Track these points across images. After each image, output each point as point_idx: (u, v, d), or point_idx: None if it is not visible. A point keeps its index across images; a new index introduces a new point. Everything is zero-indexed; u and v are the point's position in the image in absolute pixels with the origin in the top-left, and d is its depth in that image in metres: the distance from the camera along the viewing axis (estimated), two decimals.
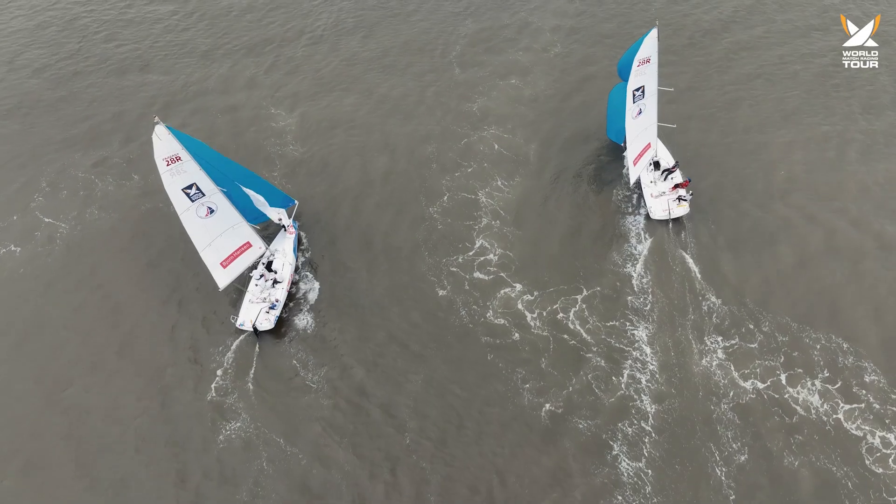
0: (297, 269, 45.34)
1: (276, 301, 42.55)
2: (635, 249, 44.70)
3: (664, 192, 46.72)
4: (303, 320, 42.89)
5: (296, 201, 48.91)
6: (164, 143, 36.52)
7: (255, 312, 41.95)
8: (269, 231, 47.50)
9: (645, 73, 44.01)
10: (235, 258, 42.18)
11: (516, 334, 40.73)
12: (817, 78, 58.23)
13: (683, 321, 40.67)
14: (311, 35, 66.26)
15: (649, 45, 43.16)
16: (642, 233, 45.67)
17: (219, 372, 40.53)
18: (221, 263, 41.32)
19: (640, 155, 46.96)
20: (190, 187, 38.36)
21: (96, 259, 47.59)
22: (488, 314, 41.90)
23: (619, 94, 47.01)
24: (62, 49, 67.72)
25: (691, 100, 55.30)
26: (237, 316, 42.35)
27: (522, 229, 46.79)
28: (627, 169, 49.32)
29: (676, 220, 46.25)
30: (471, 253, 45.35)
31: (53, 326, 43.95)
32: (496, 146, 53.10)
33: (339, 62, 62.89)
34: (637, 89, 44.24)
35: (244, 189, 42.86)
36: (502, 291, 42.97)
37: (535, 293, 42.63)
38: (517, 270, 44.13)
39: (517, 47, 62.78)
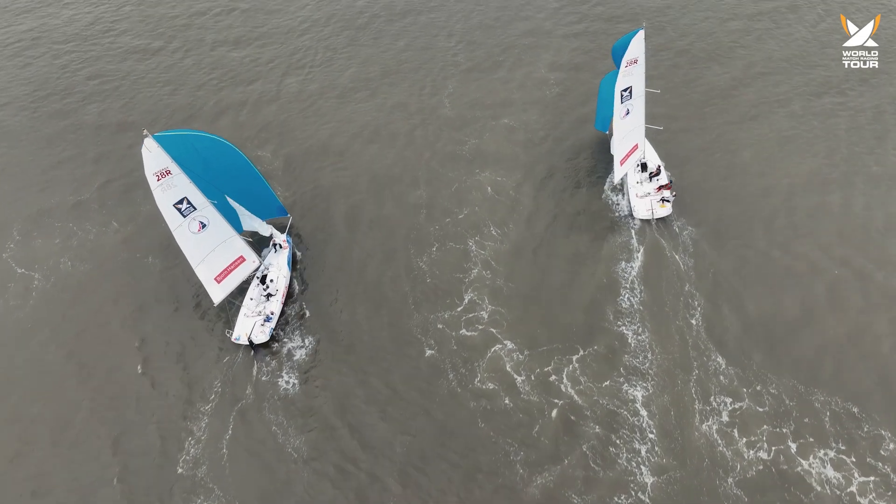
0: (291, 282, 45.02)
1: (271, 314, 42.34)
2: (632, 302, 42.38)
3: (649, 193, 47.18)
4: (288, 381, 40.45)
5: (289, 214, 48.58)
6: (153, 155, 36.40)
7: (251, 326, 41.66)
8: (260, 238, 47.56)
9: (632, 73, 44.21)
10: (229, 273, 41.97)
11: (507, 399, 38.25)
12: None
13: (685, 381, 38.25)
14: (298, 74, 64.70)
15: (636, 46, 43.31)
16: (637, 283, 43.39)
17: (190, 440, 38.19)
18: (216, 279, 41.14)
19: (628, 155, 47.30)
20: (181, 202, 38.28)
21: (69, 314, 45.44)
22: (476, 380, 39.39)
23: (609, 83, 46.74)
24: (41, 88, 66.26)
25: (687, 141, 53.36)
26: (232, 330, 41.83)
27: (514, 281, 44.51)
28: (613, 173, 49.14)
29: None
30: (459, 308, 43.00)
31: (21, 384, 42.00)
32: (489, 189, 51.01)
33: (330, 98, 61.10)
34: (625, 90, 44.49)
35: (232, 203, 43.09)
36: (492, 350, 40.57)
37: (527, 352, 40.25)
38: (508, 327, 41.77)
39: (510, 85, 60.99)
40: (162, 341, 43.06)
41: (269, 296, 43.31)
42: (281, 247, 45.65)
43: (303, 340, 42.19)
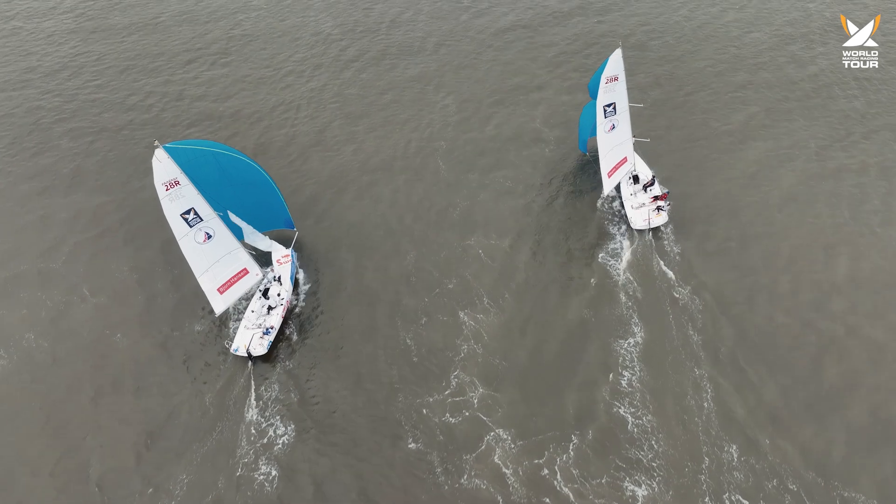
0: (294, 296, 45.51)
1: (271, 327, 42.43)
2: (631, 381, 39.38)
3: (644, 204, 47.99)
4: (267, 474, 37.24)
5: (296, 229, 49.29)
6: (163, 166, 37.11)
7: (249, 338, 41.69)
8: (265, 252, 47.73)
9: (614, 90, 46.28)
10: (232, 284, 42.45)
11: (498, 498, 35.27)
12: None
13: (694, 475, 35.00)
14: (281, 126, 62.28)
15: (615, 64, 45.36)
16: (637, 360, 40.37)
17: None
18: (218, 289, 41.68)
19: (615, 168, 48.85)
20: (188, 212, 39.01)
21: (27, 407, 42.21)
22: (464, 478, 36.01)
23: (589, 112, 49.70)
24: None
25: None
26: (231, 342, 42.10)
27: (507, 359, 41.41)
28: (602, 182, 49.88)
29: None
30: (447, 391, 39.86)
31: None
32: (481, 254, 48.07)
33: (321, 159, 58.50)
34: (608, 105, 46.48)
35: (234, 218, 43.49)
36: (482, 441, 37.29)
37: (519, 442, 37.05)
38: (499, 413, 38.61)
39: (506, 143, 58.15)
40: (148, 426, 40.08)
41: (270, 309, 43.40)
42: (280, 261, 45.97)
43: (285, 427, 38.86)
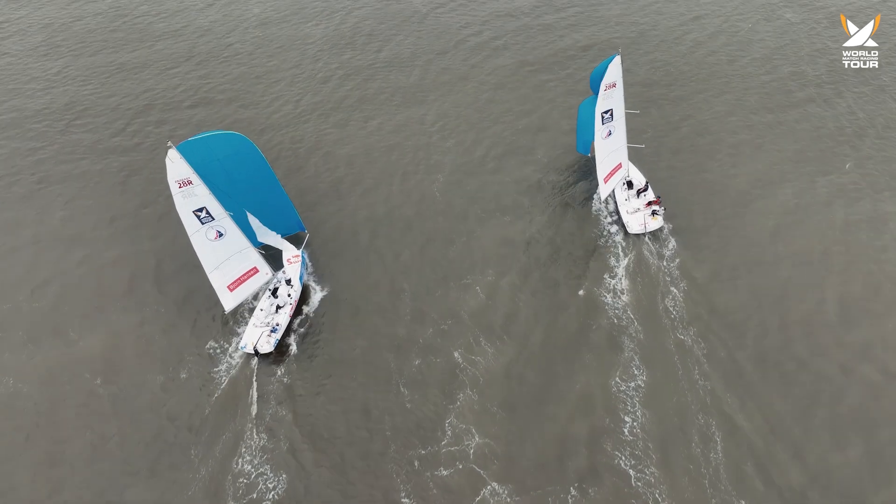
0: (302, 295, 46.37)
1: (277, 325, 43.33)
2: (634, 430, 37.66)
3: (639, 209, 48.88)
4: None
5: (307, 231, 50.46)
6: (175, 166, 38.16)
7: (257, 336, 42.63)
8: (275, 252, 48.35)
9: (612, 97, 46.68)
10: (242, 282, 43.76)
11: None
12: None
13: None
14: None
15: (614, 71, 45.55)
16: (640, 406, 38.66)
17: None
18: (228, 287, 42.94)
19: (611, 174, 49.68)
20: (200, 210, 40.13)
21: None
22: None
23: (588, 108, 49.81)
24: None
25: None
26: (240, 338, 43.27)
27: (505, 406, 39.67)
28: (599, 191, 50.83)
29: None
30: (443, 441, 38.15)
31: None
32: (480, 293, 46.25)
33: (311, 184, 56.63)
34: (605, 112, 47.02)
35: (250, 218, 45.43)
36: (480, 493, 35.64)
37: (517, 498, 35.30)
38: (496, 465, 36.85)
39: (506, 187, 55.44)
40: None
41: (278, 308, 44.42)
42: (290, 283, 46.38)
43: (276, 479, 36.96)
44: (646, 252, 47.50)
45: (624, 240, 48.45)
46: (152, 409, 40.62)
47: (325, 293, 46.91)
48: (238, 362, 42.68)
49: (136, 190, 57.06)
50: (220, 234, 41.91)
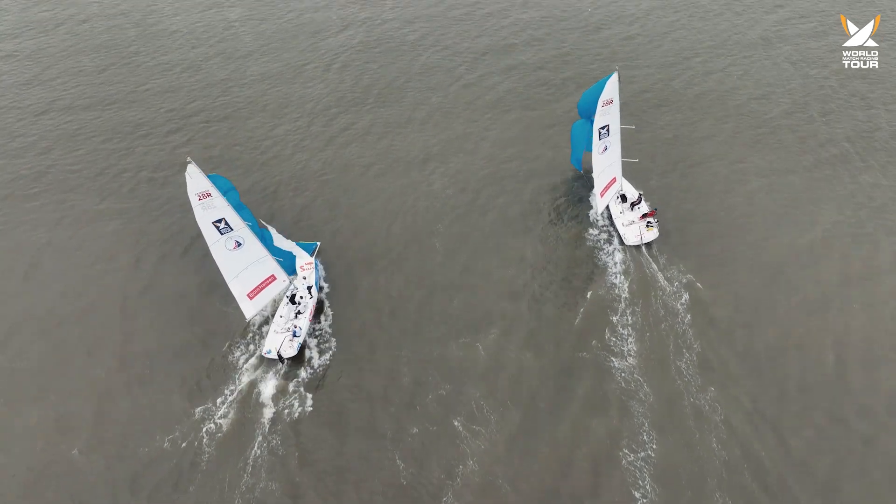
0: (319, 301, 47.98)
1: (298, 328, 44.91)
2: None
3: (633, 221, 50.38)
4: None
5: (318, 242, 51.99)
6: (194, 180, 39.92)
7: (280, 341, 44.29)
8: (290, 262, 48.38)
9: (609, 112, 47.97)
10: (261, 290, 45.28)
11: None
12: None
13: None
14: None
15: (611, 88, 46.72)
16: (650, 480, 37.08)
17: None
18: (248, 295, 44.59)
19: (607, 188, 51.27)
20: (220, 221, 41.79)
21: None
22: None
23: (579, 129, 52.10)
24: None
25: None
26: (263, 345, 44.69)
27: (507, 481, 37.57)
28: (595, 205, 52.83)
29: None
30: None
31: None
32: (481, 350, 44.96)
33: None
34: (602, 128, 48.28)
35: (264, 224, 47.49)
36: None
37: None
38: None
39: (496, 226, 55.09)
40: None
41: (297, 313, 46.06)
42: (309, 289, 48.00)
43: None
44: (654, 305, 46.56)
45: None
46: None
47: (326, 354, 45.64)
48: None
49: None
50: (239, 244, 43.52)
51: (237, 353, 45.36)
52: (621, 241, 49.89)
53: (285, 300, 47.35)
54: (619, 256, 49.82)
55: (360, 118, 68.89)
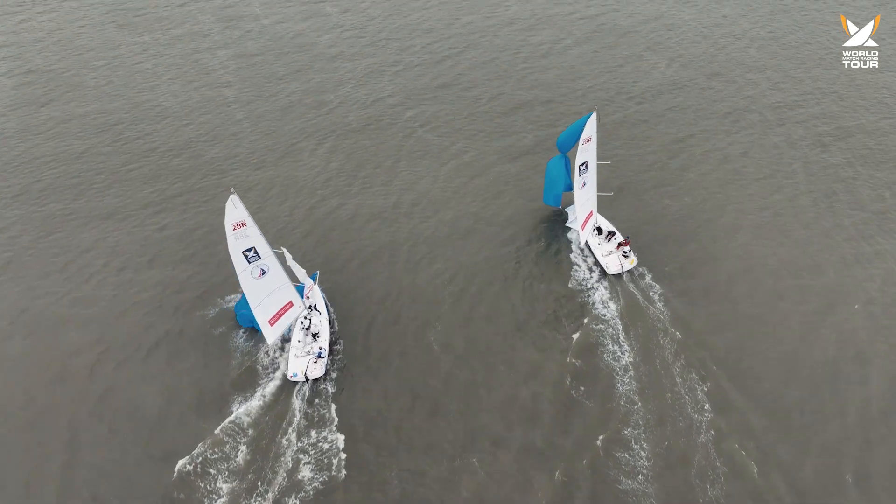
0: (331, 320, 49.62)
1: (321, 349, 46.65)
2: None
3: (612, 251, 52.91)
4: None
5: (317, 272, 53.12)
6: (236, 210, 41.69)
7: (305, 364, 45.87)
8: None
9: (588, 150, 50.67)
10: (280, 316, 46.82)
11: None
12: None
13: None
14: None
15: (590, 127, 49.65)
16: None
17: None
18: (269, 321, 46.01)
19: (586, 221, 53.89)
20: (249, 250, 43.47)
21: None
22: None
23: (555, 165, 55.19)
24: None
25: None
26: (287, 370, 46.05)
27: None
28: (578, 235, 54.92)
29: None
30: None
31: None
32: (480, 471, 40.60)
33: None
34: (582, 164, 50.77)
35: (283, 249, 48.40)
36: None
37: None
38: None
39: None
40: None
41: (315, 336, 47.74)
42: (315, 308, 49.98)
43: None
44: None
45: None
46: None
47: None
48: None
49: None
50: (263, 272, 45.08)
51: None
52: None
53: (299, 325, 48.69)
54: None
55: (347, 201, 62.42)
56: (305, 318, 49.19)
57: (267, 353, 47.77)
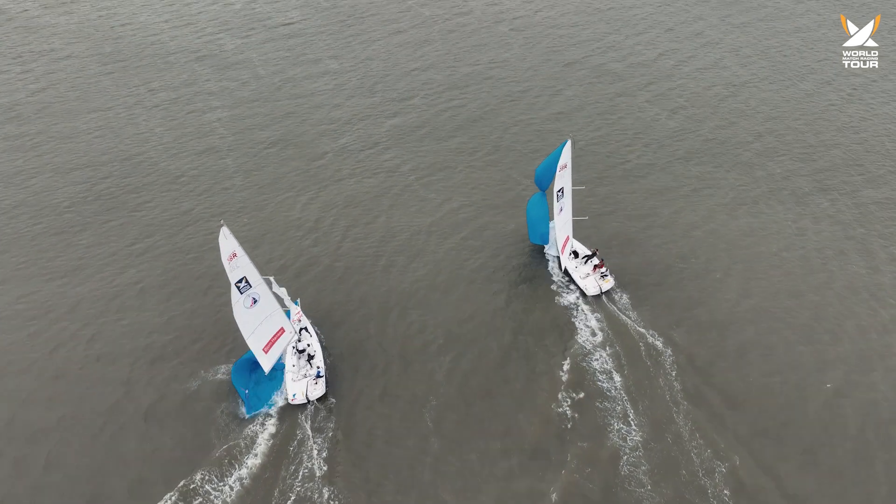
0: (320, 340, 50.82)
1: (319, 368, 47.70)
2: None
3: (589, 274, 54.13)
4: None
5: (298, 300, 53.52)
6: (228, 242, 42.06)
7: (304, 386, 46.86)
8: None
9: (564, 176, 52.05)
10: (273, 343, 47.28)
11: None
12: None
13: None
14: None
15: (566, 154, 51.01)
16: None
17: None
18: (263, 349, 46.44)
19: (564, 245, 54.93)
20: (241, 280, 43.70)
21: None
22: None
23: (537, 203, 56.05)
24: None
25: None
26: (286, 393, 46.91)
27: None
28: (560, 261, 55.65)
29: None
30: None
31: None
32: None
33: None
34: (559, 190, 52.29)
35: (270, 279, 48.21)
36: None
37: None
38: None
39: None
40: None
41: (309, 358, 48.54)
42: (307, 330, 51.09)
43: None
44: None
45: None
46: None
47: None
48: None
49: None
50: (255, 301, 45.19)
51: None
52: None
53: (291, 349, 49.46)
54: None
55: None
56: (299, 341, 50.00)
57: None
